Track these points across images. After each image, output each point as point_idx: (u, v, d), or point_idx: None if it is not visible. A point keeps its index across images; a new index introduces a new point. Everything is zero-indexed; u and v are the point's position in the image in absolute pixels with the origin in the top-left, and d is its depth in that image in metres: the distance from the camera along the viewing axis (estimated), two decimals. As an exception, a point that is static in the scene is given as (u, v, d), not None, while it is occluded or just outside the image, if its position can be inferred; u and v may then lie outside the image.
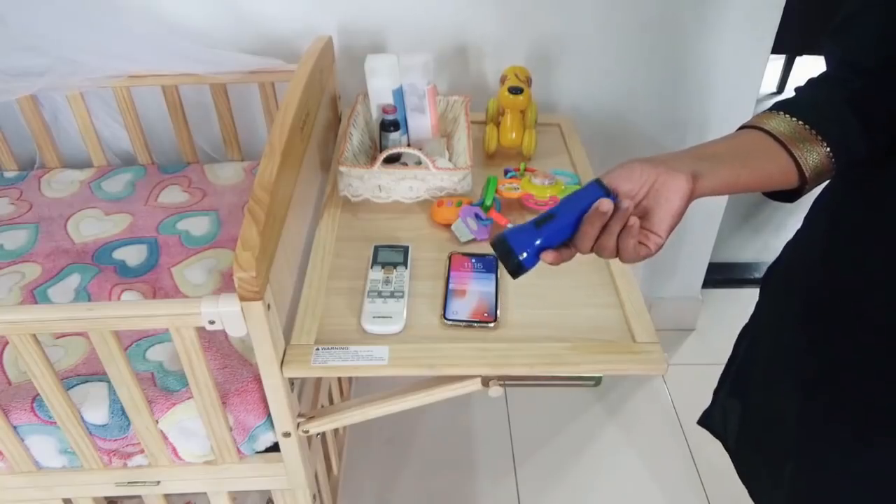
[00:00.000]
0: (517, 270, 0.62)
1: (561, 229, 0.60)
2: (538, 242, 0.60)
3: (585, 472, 1.47)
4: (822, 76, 0.64)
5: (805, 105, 0.62)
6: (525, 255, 0.60)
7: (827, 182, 0.65)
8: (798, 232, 0.75)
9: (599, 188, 0.59)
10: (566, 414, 1.59)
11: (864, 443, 0.65)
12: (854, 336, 0.64)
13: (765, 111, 0.63)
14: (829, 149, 0.59)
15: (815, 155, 0.59)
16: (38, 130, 1.33)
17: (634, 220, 0.58)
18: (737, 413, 0.84)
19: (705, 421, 0.90)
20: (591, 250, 0.61)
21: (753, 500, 0.82)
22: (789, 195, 0.63)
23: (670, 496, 1.42)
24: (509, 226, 0.92)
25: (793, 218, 2.17)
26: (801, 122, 0.60)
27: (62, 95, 1.29)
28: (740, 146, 0.62)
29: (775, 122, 0.61)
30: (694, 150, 0.61)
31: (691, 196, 0.58)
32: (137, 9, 1.24)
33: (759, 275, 2.00)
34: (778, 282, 0.78)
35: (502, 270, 0.94)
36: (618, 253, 0.60)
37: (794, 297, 0.73)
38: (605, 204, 0.57)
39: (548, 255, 0.60)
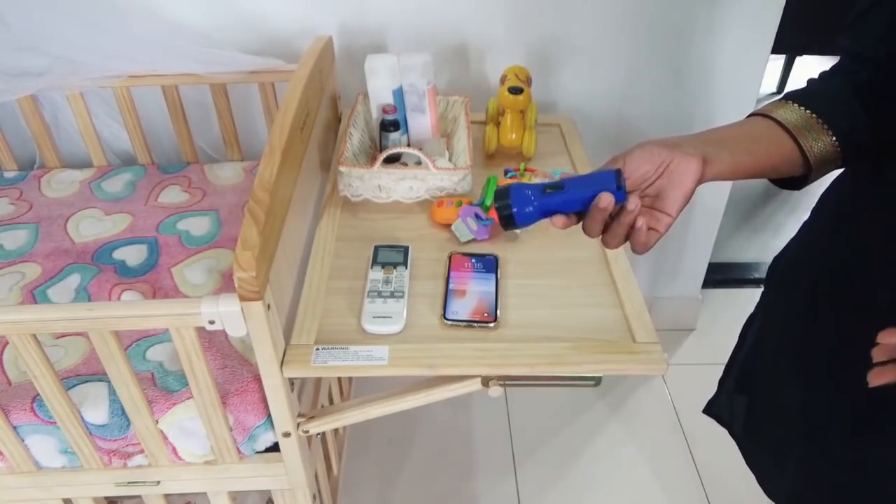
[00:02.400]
0: (507, 223, 0.64)
1: (564, 203, 0.62)
2: (535, 205, 0.62)
3: (585, 472, 1.47)
4: (833, 68, 0.65)
5: (814, 95, 0.63)
6: (517, 209, 0.62)
7: (837, 174, 0.66)
8: (804, 224, 0.75)
9: (613, 180, 0.59)
10: (566, 414, 1.59)
11: (867, 433, 0.65)
12: (859, 327, 0.64)
13: (775, 100, 0.65)
14: (835, 139, 0.60)
15: (821, 144, 0.61)
16: (38, 130, 1.33)
17: (641, 223, 0.59)
18: (743, 404, 0.85)
19: (710, 409, 0.91)
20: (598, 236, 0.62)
21: (760, 484, 0.83)
22: (796, 183, 0.64)
23: (670, 496, 1.42)
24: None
25: (793, 218, 2.17)
26: (809, 112, 0.61)
27: (62, 95, 1.29)
28: (748, 133, 0.63)
29: (784, 111, 0.62)
30: (703, 134, 0.63)
31: (701, 178, 0.59)
32: (137, 9, 1.24)
33: (759, 275, 2.00)
34: (784, 273, 0.78)
35: (502, 271, 0.94)
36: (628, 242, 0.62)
37: (801, 288, 0.73)
38: (604, 200, 0.58)
39: (559, 220, 0.62)
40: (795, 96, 0.63)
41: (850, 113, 0.60)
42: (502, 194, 0.63)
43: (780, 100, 0.64)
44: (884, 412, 0.63)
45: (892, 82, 0.59)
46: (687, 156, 0.59)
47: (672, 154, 0.59)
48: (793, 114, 0.62)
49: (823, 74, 0.65)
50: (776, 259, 0.80)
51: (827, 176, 0.65)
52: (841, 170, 0.66)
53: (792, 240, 0.78)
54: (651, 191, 0.61)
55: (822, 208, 0.73)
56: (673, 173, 0.59)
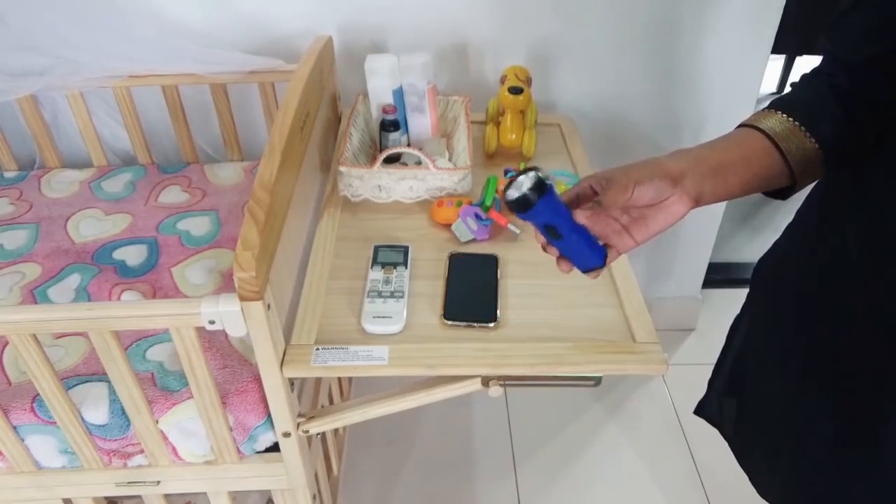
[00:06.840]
0: (519, 206, 0.59)
1: (558, 247, 0.64)
2: (542, 220, 0.61)
3: (585, 472, 1.47)
4: (813, 71, 0.65)
5: (798, 103, 0.63)
6: (535, 208, 0.59)
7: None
8: (789, 226, 0.75)
9: (601, 264, 0.64)
10: (566, 414, 1.59)
11: (850, 436, 0.65)
12: (840, 328, 0.65)
13: (763, 109, 0.65)
14: (818, 146, 0.60)
15: (804, 154, 0.61)
16: (38, 130, 1.33)
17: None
18: (733, 405, 0.85)
19: (701, 410, 0.91)
20: None
21: (754, 485, 0.83)
22: (782, 192, 0.65)
23: (670, 496, 1.42)
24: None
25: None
26: (794, 122, 0.61)
27: (62, 95, 1.29)
28: (746, 154, 0.62)
29: (772, 122, 0.62)
30: (705, 158, 0.61)
31: (683, 216, 0.61)
32: (137, 9, 1.24)
33: (758, 275, 2.00)
34: (769, 275, 0.78)
35: (502, 271, 0.94)
36: None
37: (785, 290, 0.74)
38: (563, 265, 0.65)
39: (563, 265, 0.66)
40: (781, 105, 0.63)
41: (832, 120, 0.61)
42: (540, 185, 0.58)
43: (767, 108, 0.64)
44: (866, 416, 0.63)
45: (870, 87, 0.59)
46: (684, 196, 0.59)
47: (674, 191, 0.59)
48: (779, 124, 0.62)
49: (805, 78, 0.65)
50: (761, 261, 0.80)
51: None
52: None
53: (776, 242, 0.78)
54: (636, 213, 0.61)
55: (804, 211, 0.73)
56: (665, 210, 0.60)
